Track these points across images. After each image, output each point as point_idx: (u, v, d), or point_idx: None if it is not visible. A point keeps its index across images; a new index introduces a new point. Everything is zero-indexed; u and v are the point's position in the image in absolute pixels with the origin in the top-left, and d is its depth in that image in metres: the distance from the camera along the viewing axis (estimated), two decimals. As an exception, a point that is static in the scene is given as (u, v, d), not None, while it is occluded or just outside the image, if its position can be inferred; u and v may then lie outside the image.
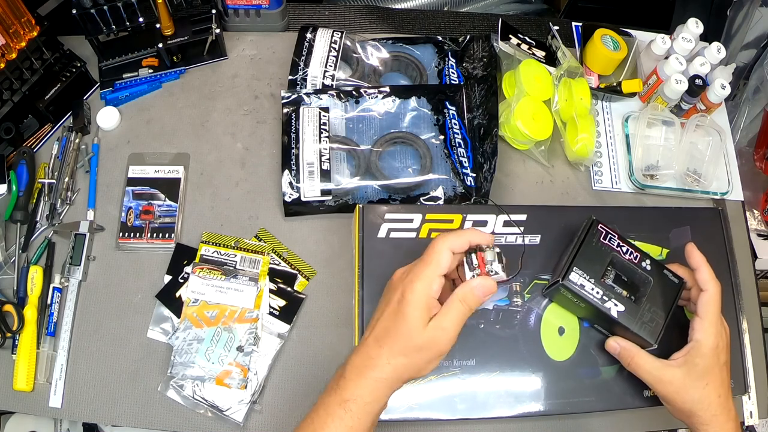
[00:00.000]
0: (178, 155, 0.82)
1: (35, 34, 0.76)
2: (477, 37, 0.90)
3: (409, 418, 0.67)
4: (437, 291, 0.56)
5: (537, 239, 0.73)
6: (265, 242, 0.78)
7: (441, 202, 0.79)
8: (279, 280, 0.76)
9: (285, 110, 0.81)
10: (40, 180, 0.79)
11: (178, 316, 0.73)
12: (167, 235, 0.77)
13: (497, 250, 0.59)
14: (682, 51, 0.88)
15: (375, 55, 0.88)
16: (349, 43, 0.87)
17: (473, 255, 0.59)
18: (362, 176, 0.79)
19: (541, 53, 0.90)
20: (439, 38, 0.92)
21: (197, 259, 0.76)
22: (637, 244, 0.69)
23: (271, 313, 0.74)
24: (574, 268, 0.66)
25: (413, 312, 0.55)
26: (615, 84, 0.92)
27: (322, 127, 0.80)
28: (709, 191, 0.87)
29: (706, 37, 0.91)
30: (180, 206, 0.79)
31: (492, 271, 0.58)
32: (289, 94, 0.82)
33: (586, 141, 0.83)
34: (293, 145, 0.79)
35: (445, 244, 0.57)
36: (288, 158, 0.79)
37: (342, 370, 0.57)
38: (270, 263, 0.76)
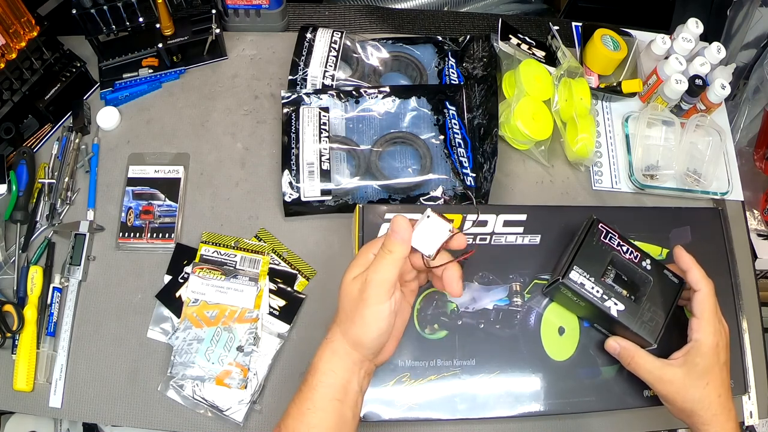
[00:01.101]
0: (178, 155, 0.82)
1: (35, 34, 0.76)
2: (477, 37, 0.90)
3: (409, 418, 0.67)
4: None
5: (537, 239, 0.73)
6: (265, 242, 0.78)
7: (441, 202, 0.79)
8: (279, 280, 0.76)
9: (285, 110, 0.81)
10: (40, 180, 0.79)
11: (178, 316, 0.73)
12: (167, 235, 0.77)
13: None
14: (682, 51, 0.88)
15: (375, 55, 0.88)
16: (349, 43, 0.87)
17: None
18: (362, 176, 0.79)
19: (541, 53, 0.90)
20: (439, 38, 0.92)
21: (197, 259, 0.76)
22: (637, 244, 0.69)
23: (271, 313, 0.74)
24: (575, 266, 0.66)
25: (347, 270, 0.57)
26: (615, 84, 0.92)
27: (322, 127, 0.80)
28: (709, 191, 0.87)
29: (706, 37, 0.91)
30: (180, 206, 0.79)
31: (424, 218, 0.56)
32: (289, 94, 0.82)
33: (586, 141, 0.83)
34: (293, 145, 0.79)
35: (403, 215, 0.58)
36: (288, 158, 0.79)
37: None
38: (270, 263, 0.76)
